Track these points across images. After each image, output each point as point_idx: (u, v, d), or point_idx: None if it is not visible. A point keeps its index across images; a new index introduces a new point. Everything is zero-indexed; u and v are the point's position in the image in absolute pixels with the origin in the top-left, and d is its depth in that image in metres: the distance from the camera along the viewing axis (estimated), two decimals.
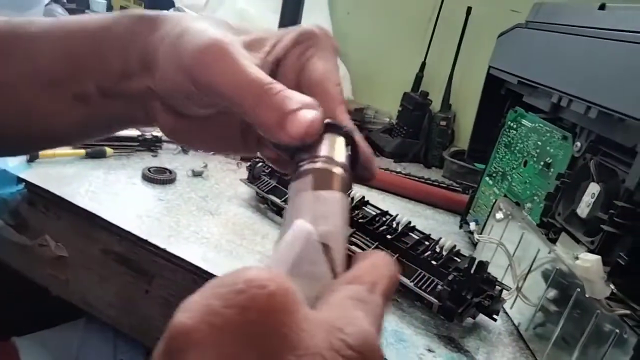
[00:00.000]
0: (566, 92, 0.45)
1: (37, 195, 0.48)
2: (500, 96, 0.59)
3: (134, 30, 0.27)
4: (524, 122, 0.54)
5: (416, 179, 0.74)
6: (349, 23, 0.99)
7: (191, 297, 0.15)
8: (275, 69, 0.27)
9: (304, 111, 0.23)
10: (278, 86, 0.24)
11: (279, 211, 0.54)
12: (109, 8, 0.93)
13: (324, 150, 0.25)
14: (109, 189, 0.52)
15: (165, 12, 0.28)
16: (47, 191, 0.48)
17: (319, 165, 0.24)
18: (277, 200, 0.53)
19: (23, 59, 0.27)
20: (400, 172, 0.76)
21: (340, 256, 0.23)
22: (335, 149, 0.25)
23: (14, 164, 0.50)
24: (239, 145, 0.30)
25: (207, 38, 0.24)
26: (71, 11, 0.88)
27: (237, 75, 0.24)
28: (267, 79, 0.24)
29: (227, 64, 0.24)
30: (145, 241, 0.44)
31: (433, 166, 0.88)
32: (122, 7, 0.93)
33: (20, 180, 0.48)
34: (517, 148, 0.54)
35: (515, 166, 0.54)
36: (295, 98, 0.23)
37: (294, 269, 0.21)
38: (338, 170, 0.25)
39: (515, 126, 0.56)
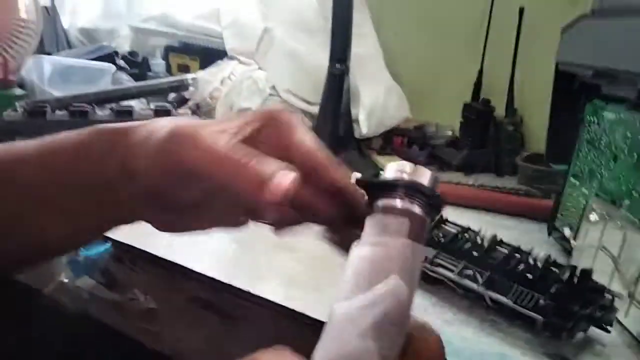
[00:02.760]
0: None
1: (123, 252, 0.50)
2: (573, 92, 0.55)
3: (111, 142, 0.28)
4: (605, 114, 0.50)
5: (490, 189, 0.70)
6: (398, 43, 0.98)
7: None
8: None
9: (282, 173, 0.24)
10: (250, 155, 0.24)
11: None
12: (168, 68, 0.98)
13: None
14: (186, 238, 0.53)
15: (135, 123, 0.28)
16: (132, 247, 0.50)
17: (416, 209, 0.24)
18: None
19: (7, 181, 0.29)
20: (472, 185, 0.73)
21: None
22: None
23: None
24: (237, 217, 0.31)
25: (170, 128, 0.26)
26: (135, 76, 0.93)
27: (208, 153, 0.24)
28: (238, 150, 0.24)
29: (196, 145, 0.25)
30: (230, 285, 0.44)
31: (505, 174, 0.83)
32: (179, 65, 0.98)
33: (106, 238, 0.50)
34: (603, 143, 0.50)
35: (603, 162, 0.50)
36: (270, 162, 0.24)
37: (377, 325, 0.21)
38: (428, 218, 0.25)
39: (596, 120, 0.52)
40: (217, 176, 0.24)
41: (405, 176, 0.25)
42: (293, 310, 0.41)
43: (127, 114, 0.69)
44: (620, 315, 0.42)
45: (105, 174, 0.27)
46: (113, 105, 0.72)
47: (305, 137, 0.27)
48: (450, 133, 0.90)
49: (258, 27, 0.82)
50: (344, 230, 0.28)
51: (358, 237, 0.25)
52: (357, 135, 0.78)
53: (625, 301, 0.41)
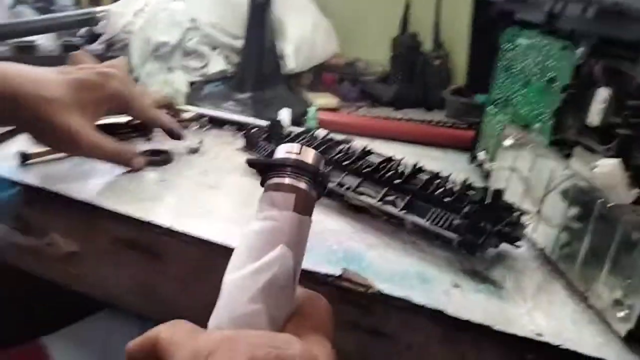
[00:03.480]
0: None
1: (35, 196, 0.47)
2: (492, 21, 0.56)
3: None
4: (519, 40, 0.52)
5: (418, 122, 0.71)
6: None
7: None
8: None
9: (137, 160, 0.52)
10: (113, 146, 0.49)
11: None
12: (76, 1, 0.90)
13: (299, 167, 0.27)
14: (106, 178, 0.50)
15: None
16: (44, 189, 0.47)
17: (302, 185, 0.27)
18: None
19: None
20: (401, 119, 0.74)
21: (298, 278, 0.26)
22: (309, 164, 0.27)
23: (5, 168, 0.49)
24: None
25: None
26: (40, 10, 0.85)
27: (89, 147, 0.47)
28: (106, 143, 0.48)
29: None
30: (153, 224, 0.43)
31: (434, 108, 0.85)
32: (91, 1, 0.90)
33: (14, 183, 0.47)
34: (517, 69, 0.52)
35: (517, 89, 0.52)
36: (125, 149, 0.51)
37: (265, 290, 0.24)
38: (313, 193, 0.27)
39: (511, 47, 0.53)
40: (96, 158, 0.49)
41: (293, 156, 0.27)
42: (216, 244, 0.41)
43: (30, 50, 0.63)
44: (529, 232, 0.45)
45: None
46: (14, 40, 0.65)
47: (139, 105, 0.52)
48: (380, 69, 0.90)
49: None
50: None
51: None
52: (284, 71, 0.76)
53: (533, 218, 0.44)
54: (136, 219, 0.44)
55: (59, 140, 0.44)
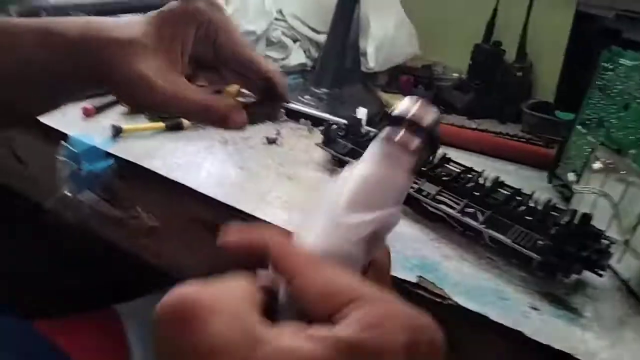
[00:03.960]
0: None
1: (126, 169, 0.50)
2: (590, 38, 0.54)
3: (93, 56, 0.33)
4: (622, 61, 0.49)
5: (493, 134, 0.70)
6: None
7: None
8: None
9: (236, 112, 0.36)
10: (206, 96, 0.35)
11: None
12: None
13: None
14: (191, 159, 0.53)
15: (116, 33, 0.34)
16: (136, 164, 0.49)
17: (423, 150, 0.27)
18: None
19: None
20: (476, 128, 0.73)
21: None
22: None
23: (100, 140, 0.52)
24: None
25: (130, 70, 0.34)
26: None
27: (169, 97, 0.34)
28: (194, 93, 0.35)
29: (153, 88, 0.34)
30: (233, 208, 0.45)
31: (509, 121, 0.83)
32: None
33: (109, 155, 0.50)
34: (616, 91, 0.50)
35: (613, 111, 0.50)
36: (223, 101, 0.36)
37: (370, 239, 0.26)
38: (424, 153, 0.27)
39: (611, 67, 0.51)
40: (178, 111, 0.36)
41: (414, 111, 0.27)
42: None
43: None
44: (613, 262, 0.43)
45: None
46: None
47: (232, 37, 0.37)
48: (457, 75, 0.89)
49: None
50: (267, 106, 0.39)
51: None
52: (363, 68, 0.76)
53: (620, 248, 0.42)
54: (218, 200, 0.46)
55: (132, 91, 0.35)
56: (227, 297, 0.21)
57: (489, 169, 0.63)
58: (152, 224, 0.49)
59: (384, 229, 0.26)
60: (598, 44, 0.53)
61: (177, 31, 0.35)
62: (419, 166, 0.28)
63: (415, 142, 0.27)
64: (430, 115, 0.27)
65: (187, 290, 0.21)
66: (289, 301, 0.24)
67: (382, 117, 0.29)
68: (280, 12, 0.75)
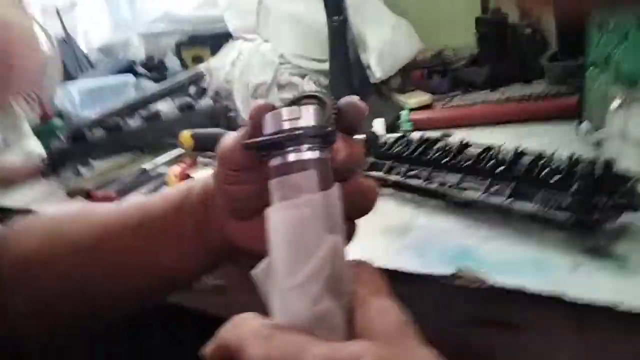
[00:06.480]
0: None
1: None
2: None
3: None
4: None
5: (515, 100, 0.69)
6: None
7: None
8: None
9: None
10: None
11: (385, 183, 0.54)
12: (183, 63, 1.02)
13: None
14: None
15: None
16: None
17: (320, 154, 0.24)
18: (378, 175, 0.54)
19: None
20: (498, 100, 0.72)
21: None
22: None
23: None
24: None
25: None
26: (155, 80, 0.98)
27: None
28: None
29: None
30: None
31: (534, 79, 0.81)
32: (193, 58, 1.01)
33: None
34: (611, 25, 0.49)
35: (615, 44, 0.49)
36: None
37: (326, 286, 0.22)
38: (328, 154, 0.25)
39: None
40: None
41: (295, 123, 0.24)
42: None
43: (156, 118, 0.73)
44: None
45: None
46: (142, 112, 0.77)
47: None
48: (468, 53, 0.88)
49: (254, 1, 0.83)
50: None
51: None
52: (372, 80, 0.78)
53: None
54: None
55: None
56: None
57: (520, 137, 0.63)
58: (217, 282, 0.54)
59: (337, 263, 0.23)
60: None
61: None
62: (328, 168, 0.24)
63: (304, 158, 0.23)
64: (305, 113, 0.24)
65: None
66: None
67: (259, 148, 0.25)
68: (282, 56, 0.79)
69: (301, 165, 0.23)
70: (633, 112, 0.44)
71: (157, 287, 0.39)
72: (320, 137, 0.24)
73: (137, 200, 0.40)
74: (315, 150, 0.24)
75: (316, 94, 0.28)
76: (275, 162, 0.24)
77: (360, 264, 0.26)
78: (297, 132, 0.23)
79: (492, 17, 0.82)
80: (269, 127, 0.25)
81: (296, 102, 0.28)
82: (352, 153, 0.28)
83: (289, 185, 0.23)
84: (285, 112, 0.24)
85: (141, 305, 0.41)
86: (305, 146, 0.24)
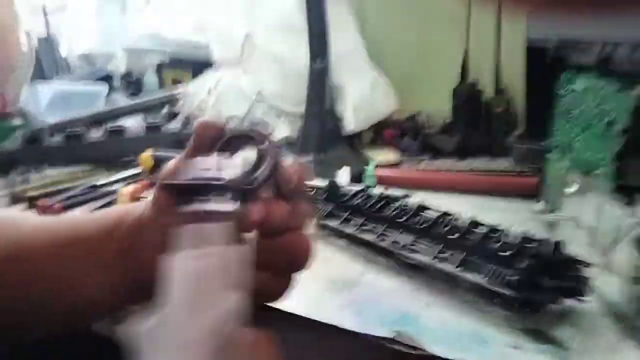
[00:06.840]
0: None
1: None
2: (547, 66, 0.55)
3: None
4: (576, 84, 0.50)
5: (479, 172, 0.70)
6: (381, 33, 0.98)
7: None
8: None
9: None
10: None
11: (339, 234, 0.54)
12: (162, 83, 1.01)
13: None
14: None
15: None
16: None
17: (235, 207, 0.23)
18: (334, 225, 0.53)
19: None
20: (463, 170, 0.73)
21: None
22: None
23: None
24: None
25: None
26: (131, 96, 0.96)
27: None
28: None
29: None
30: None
31: (500, 156, 0.83)
32: (173, 80, 1.00)
33: None
34: (576, 114, 0.50)
35: (577, 133, 0.50)
36: None
37: (221, 344, 0.21)
38: (245, 208, 0.24)
39: (568, 91, 0.52)
40: None
41: (215, 173, 0.24)
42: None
43: (120, 133, 0.71)
44: (599, 286, 0.42)
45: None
46: (107, 125, 0.75)
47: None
48: (442, 121, 0.90)
49: (242, 34, 0.83)
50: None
51: None
52: (345, 131, 0.79)
53: (601, 270, 0.41)
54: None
55: None
56: None
57: (479, 208, 0.63)
58: None
59: (236, 322, 0.22)
60: (554, 72, 0.54)
61: None
62: (245, 224, 0.24)
63: (218, 210, 0.23)
64: (233, 165, 0.24)
65: None
66: None
67: (177, 191, 0.25)
68: (259, 93, 0.79)
69: (219, 217, 0.23)
70: (587, 200, 0.45)
71: (74, 314, 0.35)
72: (240, 191, 0.24)
73: (72, 217, 0.37)
74: (232, 202, 0.24)
75: (262, 141, 0.26)
76: (187, 208, 0.24)
77: (259, 333, 0.23)
78: (214, 182, 0.23)
79: (467, 91, 0.85)
80: (191, 171, 0.24)
81: (239, 137, 0.27)
82: (273, 212, 0.27)
83: (197, 234, 0.22)
84: (211, 160, 0.24)
85: (61, 329, 0.38)
86: (222, 198, 0.23)
